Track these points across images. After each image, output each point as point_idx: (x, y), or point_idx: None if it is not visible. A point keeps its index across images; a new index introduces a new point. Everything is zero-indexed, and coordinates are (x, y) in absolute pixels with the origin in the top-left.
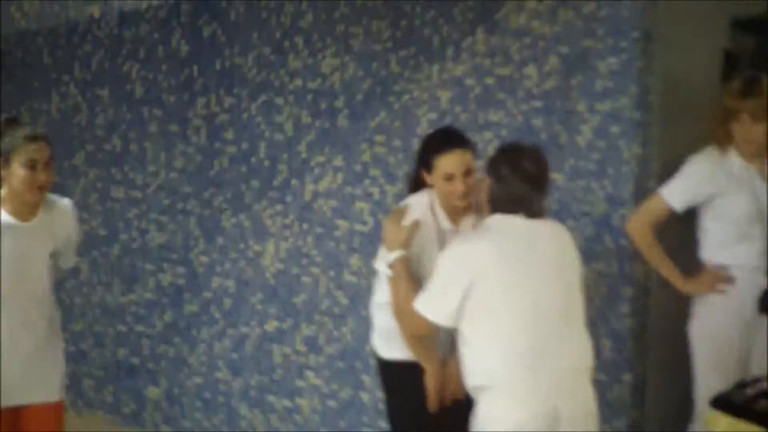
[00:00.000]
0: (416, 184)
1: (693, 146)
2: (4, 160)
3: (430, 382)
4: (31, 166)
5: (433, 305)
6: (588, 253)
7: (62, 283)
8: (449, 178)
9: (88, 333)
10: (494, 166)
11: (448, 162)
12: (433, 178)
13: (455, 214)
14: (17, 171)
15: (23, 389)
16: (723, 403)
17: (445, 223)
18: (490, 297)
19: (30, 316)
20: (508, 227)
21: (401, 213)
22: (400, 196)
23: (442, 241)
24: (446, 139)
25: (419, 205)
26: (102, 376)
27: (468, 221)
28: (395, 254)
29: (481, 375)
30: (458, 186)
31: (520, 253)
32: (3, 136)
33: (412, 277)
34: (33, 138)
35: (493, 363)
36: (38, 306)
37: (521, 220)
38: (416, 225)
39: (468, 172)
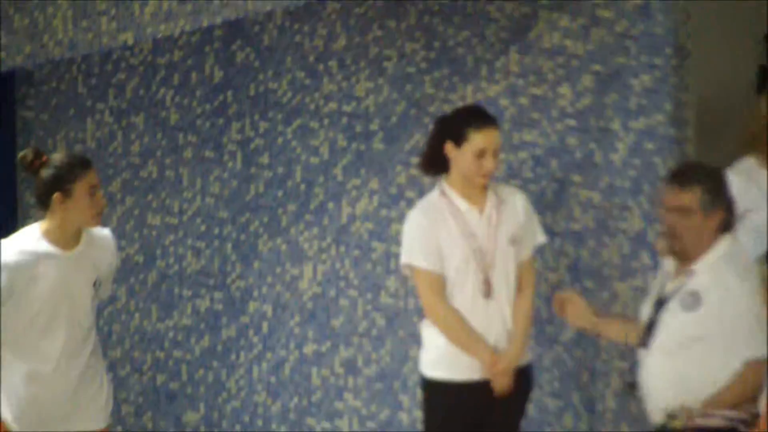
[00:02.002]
0: (435, 164)
1: (728, 162)
2: (63, 192)
3: (487, 369)
4: (92, 192)
5: None
6: (624, 270)
7: (100, 310)
8: (481, 154)
9: (126, 360)
10: None
11: (484, 137)
12: (462, 152)
13: (471, 194)
14: (80, 200)
15: (69, 417)
16: None
17: (462, 205)
18: None
19: (74, 345)
20: None
21: None
22: None
23: (463, 222)
24: (483, 114)
25: (429, 203)
26: (140, 403)
27: (491, 203)
28: None
29: None
30: (488, 163)
31: None
32: (49, 168)
33: (436, 268)
34: (89, 164)
35: None
36: (82, 335)
37: None
38: None
39: (496, 152)
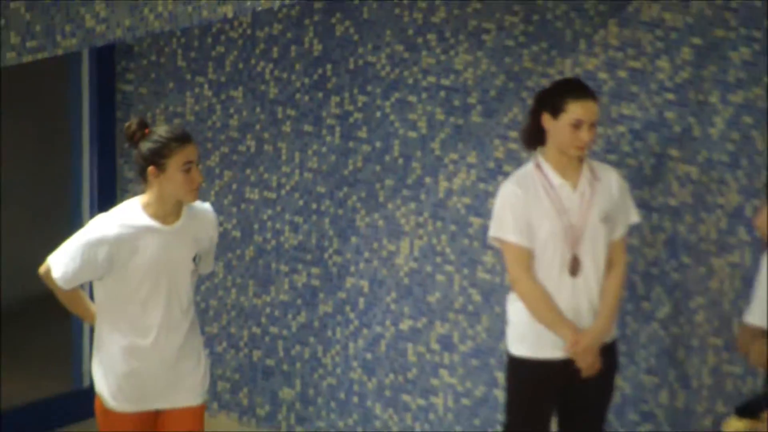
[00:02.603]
0: (534, 137)
1: None
2: (157, 166)
3: (569, 347)
4: (188, 168)
5: None
6: (722, 246)
7: (197, 285)
8: (578, 125)
9: (222, 335)
10: None
11: (581, 108)
12: (559, 123)
13: (566, 169)
14: (174, 175)
15: (166, 393)
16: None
17: (556, 179)
18: None
19: (173, 319)
20: None
21: None
22: None
23: (556, 196)
24: (581, 86)
25: (523, 175)
26: (237, 379)
27: (585, 180)
28: None
29: None
30: (584, 135)
31: None
32: (148, 141)
33: (525, 242)
34: (187, 139)
35: None
36: (181, 309)
37: None
38: None
39: (594, 125)
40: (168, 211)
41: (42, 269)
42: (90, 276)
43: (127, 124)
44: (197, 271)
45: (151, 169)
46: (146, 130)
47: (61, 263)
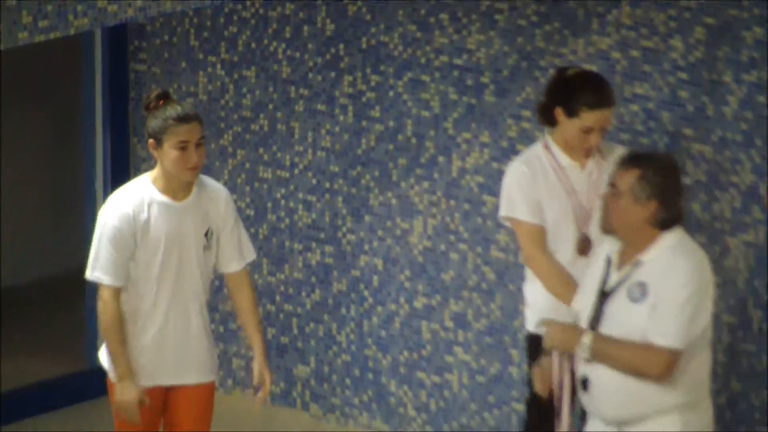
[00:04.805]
0: (547, 117)
1: None
2: (156, 140)
3: None
4: (183, 147)
5: None
6: (736, 225)
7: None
8: (588, 131)
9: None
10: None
11: (594, 118)
12: (570, 123)
13: (575, 150)
14: (169, 152)
15: (176, 369)
16: None
17: (564, 160)
18: None
19: (185, 296)
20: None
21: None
22: None
23: (564, 177)
24: (600, 95)
25: (531, 155)
26: (251, 356)
27: (594, 159)
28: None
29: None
30: (593, 139)
31: None
32: (153, 115)
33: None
34: (184, 119)
35: None
36: (194, 285)
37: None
38: None
39: (605, 129)
40: (176, 187)
41: (99, 304)
42: (129, 256)
43: (149, 92)
44: (210, 247)
45: (150, 142)
46: (160, 102)
47: (99, 267)
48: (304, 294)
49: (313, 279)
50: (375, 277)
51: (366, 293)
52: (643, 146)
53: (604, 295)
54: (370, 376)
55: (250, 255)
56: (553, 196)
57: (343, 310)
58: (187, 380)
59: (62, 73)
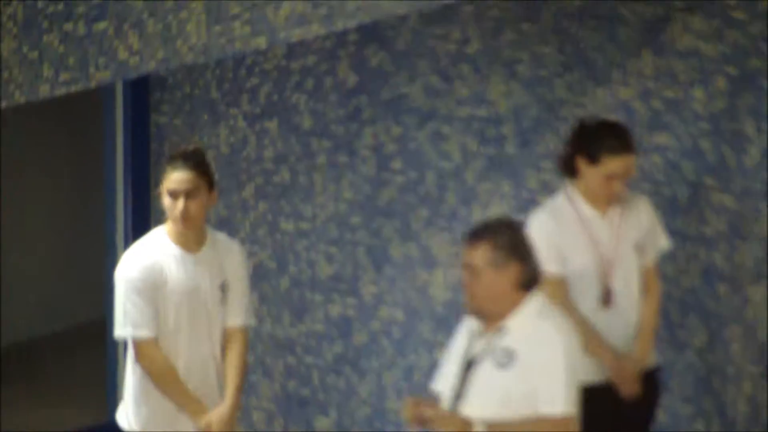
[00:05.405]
0: (569, 168)
1: None
2: (160, 189)
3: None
4: (171, 194)
5: None
6: (757, 275)
7: None
8: (611, 177)
9: (257, 365)
10: None
11: (617, 164)
12: (593, 171)
13: (598, 201)
14: (164, 199)
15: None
16: None
17: (588, 211)
18: None
19: (202, 351)
20: None
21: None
22: None
23: (587, 228)
24: (621, 140)
25: (554, 206)
26: (272, 409)
27: (616, 210)
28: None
29: None
30: (617, 187)
31: None
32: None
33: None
34: (172, 165)
35: None
36: (211, 340)
37: None
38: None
39: (628, 176)
40: (188, 239)
41: (144, 362)
42: (156, 307)
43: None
44: (226, 300)
45: (158, 191)
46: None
47: (131, 322)
48: (325, 346)
49: (334, 331)
50: (396, 329)
51: (387, 345)
52: (664, 196)
53: (468, 364)
54: (392, 428)
55: (252, 317)
56: (576, 246)
57: (364, 362)
58: None
59: (84, 126)
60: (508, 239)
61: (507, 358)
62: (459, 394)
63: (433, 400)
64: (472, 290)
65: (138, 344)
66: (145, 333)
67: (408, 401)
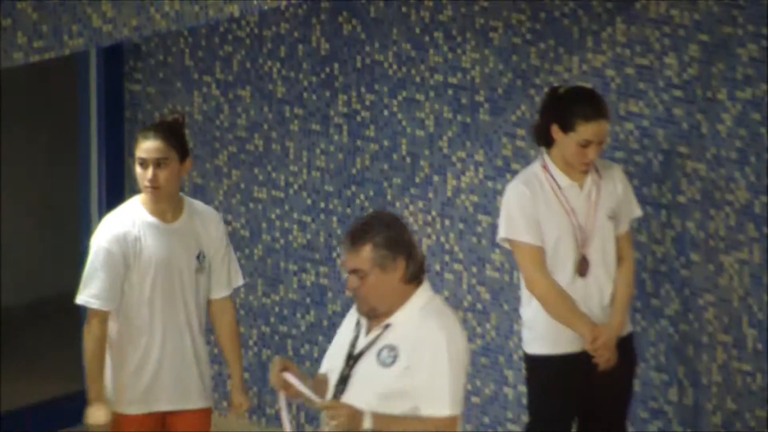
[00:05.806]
0: (543, 137)
1: None
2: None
3: (588, 344)
4: (141, 163)
5: None
6: (730, 243)
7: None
8: (585, 144)
9: None
10: None
11: (590, 130)
12: (567, 139)
13: (573, 170)
14: (135, 167)
15: (174, 395)
16: None
17: (564, 181)
18: None
19: (180, 320)
20: None
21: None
22: None
23: (563, 198)
24: (594, 107)
25: (530, 175)
26: (246, 378)
27: (591, 179)
28: None
29: None
30: (591, 153)
31: None
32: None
33: (538, 242)
34: (145, 135)
35: None
36: (187, 310)
37: None
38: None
39: (602, 143)
40: (162, 208)
41: (85, 327)
42: (121, 279)
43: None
44: (203, 270)
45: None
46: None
47: (89, 291)
48: (299, 315)
49: (308, 300)
50: None
51: None
52: (638, 164)
53: (352, 358)
54: None
55: (238, 280)
56: (552, 216)
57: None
58: (185, 405)
59: (57, 94)
60: (388, 237)
61: (390, 356)
62: (341, 386)
63: (296, 367)
64: (363, 293)
65: (89, 312)
66: (97, 304)
67: (275, 362)
